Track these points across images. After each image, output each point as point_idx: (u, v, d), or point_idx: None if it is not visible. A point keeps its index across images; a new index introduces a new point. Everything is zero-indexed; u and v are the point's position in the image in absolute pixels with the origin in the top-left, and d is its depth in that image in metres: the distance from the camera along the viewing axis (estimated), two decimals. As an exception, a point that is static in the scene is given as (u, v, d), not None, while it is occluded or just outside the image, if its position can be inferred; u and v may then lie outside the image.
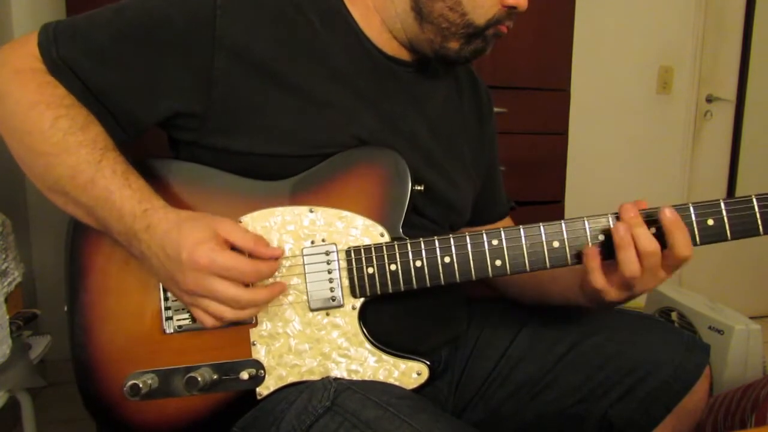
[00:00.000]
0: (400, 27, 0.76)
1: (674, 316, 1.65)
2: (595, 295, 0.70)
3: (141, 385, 0.67)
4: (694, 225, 0.67)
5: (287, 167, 0.71)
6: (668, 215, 0.65)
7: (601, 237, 0.68)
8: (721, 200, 0.67)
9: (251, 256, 0.65)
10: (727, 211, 0.66)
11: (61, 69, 0.67)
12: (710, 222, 0.67)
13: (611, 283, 0.68)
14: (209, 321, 0.65)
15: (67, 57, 0.67)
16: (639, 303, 1.89)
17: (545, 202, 1.82)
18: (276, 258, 0.67)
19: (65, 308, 0.72)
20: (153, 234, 0.63)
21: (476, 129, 0.90)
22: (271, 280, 0.69)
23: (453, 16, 0.72)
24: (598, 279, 0.67)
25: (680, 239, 0.65)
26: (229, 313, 0.64)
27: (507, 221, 0.99)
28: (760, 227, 0.66)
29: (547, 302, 0.86)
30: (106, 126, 0.69)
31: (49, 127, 0.64)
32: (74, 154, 0.64)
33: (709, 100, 2.51)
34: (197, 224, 0.63)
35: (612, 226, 0.68)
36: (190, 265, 0.61)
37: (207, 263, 0.61)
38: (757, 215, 0.66)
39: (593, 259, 0.67)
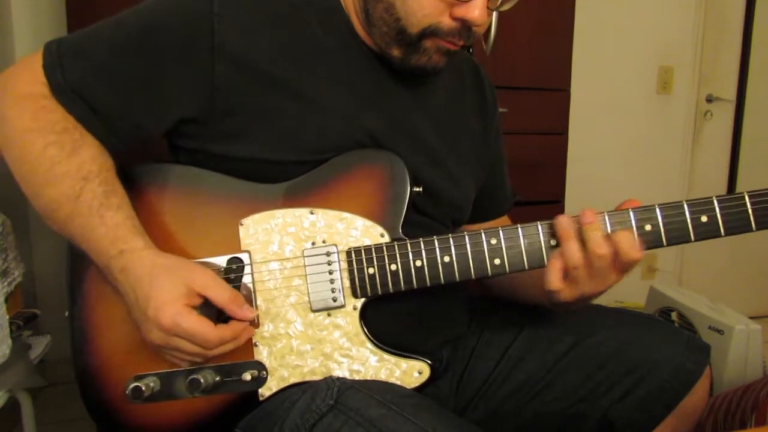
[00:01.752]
0: (363, 28, 0.75)
1: (674, 316, 1.65)
2: (551, 295, 0.70)
3: (143, 388, 0.67)
4: (689, 222, 0.68)
5: (289, 172, 0.71)
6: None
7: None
8: (714, 197, 0.68)
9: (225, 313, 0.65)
10: (720, 209, 0.67)
11: (64, 91, 0.68)
12: (704, 219, 0.68)
13: (566, 283, 0.68)
14: (183, 364, 0.68)
15: (70, 78, 0.68)
16: (639, 303, 1.89)
17: (545, 202, 1.82)
18: (249, 320, 0.66)
19: (66, 313, 0.72)
20: (127, 277, 0.64)
21: (479, 125, 0.90)
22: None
23: (389, 20, 0.70)
24: (555, 280, 0.67)
25: (623, 242, 0.65)
26: (197, 360, 0.66)
27: (504, 220, 0.99)
28: (753, 223, 0.68)
29: (519, 300, 0.88)
30: (107, 143, 0.69)
31: (38, 156, 0.65)
32: (56, 187, 0.65)
33: (709, 100, 2.51)
34: (171, 277, 0.63)
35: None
36: (154, 323, 0.62)
37: (170, 326, 0.61)
38: (750, 212, 0.67)
39: (556, 260, 0.68)
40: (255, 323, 0.70)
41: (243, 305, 0.66)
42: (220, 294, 0.64)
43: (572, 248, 0.66)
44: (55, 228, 0.68)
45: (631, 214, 0.68)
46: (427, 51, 0.71)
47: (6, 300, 1.04)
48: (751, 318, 1.54)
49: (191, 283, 0.63)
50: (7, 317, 1.01)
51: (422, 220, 0.78)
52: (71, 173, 0.65)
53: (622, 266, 0.67)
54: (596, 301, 0.92)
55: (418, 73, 0.75)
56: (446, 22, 0.69)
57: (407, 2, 0.68)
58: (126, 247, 0.64)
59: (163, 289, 0.62)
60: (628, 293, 2.33)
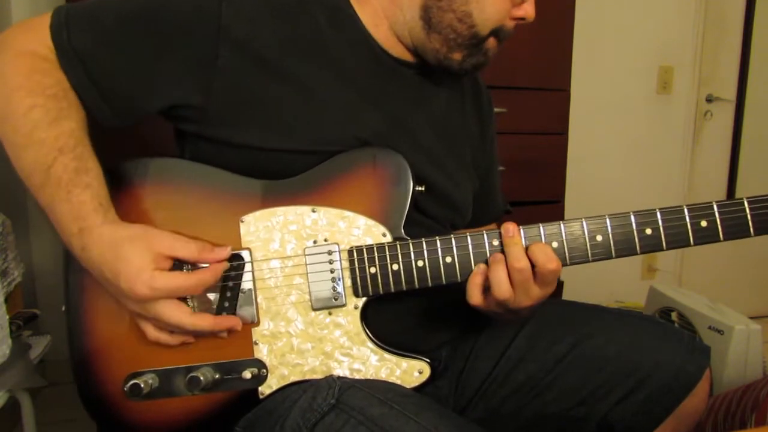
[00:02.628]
0: (407, 34, 0.76)
1: (674, 316, 1.65)
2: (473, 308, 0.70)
3: (142, 385, 0.67)
4: (688, 226, 0.68)
5: (288, 163, 0.71)
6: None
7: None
8: (714, 203, 0.69)
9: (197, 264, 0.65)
10: (720, 214, 0.68)
11: (67, 53, 0.68)
12: (703, 224, 0.69)
13: (488, 300, 0.68)
14: (168, 339, 0.67)
15: (75, 41, 0.68)
16: (639, 303, 1.89)
17: (545, 202, 1.83)
18: (223, 257, 0.67)
19: (63, 308, 0.72)
20: (89, 255, 0.63)
21: (477, 130, 0.90)
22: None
23: (461, 28, 0.73)
24: (476, 296, 0.68)
25: (539, 255, 0.66)
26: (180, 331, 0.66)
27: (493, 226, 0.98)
28: (751, 229, 0.69)
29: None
30: (98, 113, 0.69)
31: (22, 116, 0.65)
32: (33, 152, 0.65)
33: (709, 100, 2.52)
34: (134, 248, 0.62)
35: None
36: (131, 295, 0.62)
37: (149, 294, 0.61)
38: (748, 217, 0.68)
39: (476, 275, 0.68)
40: (254, 322, 0.70)
41: (213, 249, 0.66)
42: (187, 248, 0.64)
43: (500, 274, 0.66)
44: (32, 193, 0.67)
45: (632, 217, 0.68)
46: (486, 51, 0.77)
47: (6, 300, 1.04)
48: (751, 318, 1.54)
49: (156, 248, 0.63)
50: (7, 317, 1.01)
51: (422, 219, 0.78)
52: (48, 141, 0.64)
53: (542, 279, 0.67)
54: (596, 302, 0.92)
55: (469, 72, 0.79)
56: (508, 23, 0.75)
57: (485, 11, 0.73)
58: (85, 225, 0.63)
59: (130, 260, 0.61)
60: (628, 293, 2.33)
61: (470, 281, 0.68)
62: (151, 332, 0.67)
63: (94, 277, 0.70)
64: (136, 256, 0.62)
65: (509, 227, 0.68)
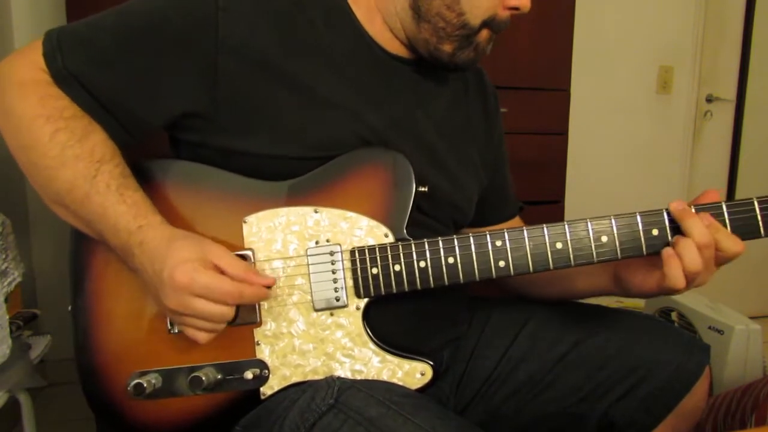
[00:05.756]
0: (399, 26, 0.76)
1: (674, 316, 1.65)
2: (640, 291, 0.72)
3: (145, 385, 0.67)
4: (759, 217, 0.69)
5: (292, 168, 0.71)
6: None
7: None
8: (723, 203, 0.69)
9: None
10: (729, 213, 0.68)
11: (65, 78, 0.67)
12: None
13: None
14: (202, 337, 0.65)
15: (71, 65, 0.67)
16: (639, 303, 1.89)
17: (545, 202, 1.82)
18: (268, 283, 0.67)
19: (69, 308, 0.72)
20: (145, 249, 0.64)
21: (482, 127, 0.90)
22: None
23: (450, 15, 0.72)
24: (681, 280, 0.66)
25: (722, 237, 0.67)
26: (219, 328, 0.65)
27: (516, 222, 0.98)
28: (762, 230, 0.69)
29: (573, 297, 0.88)
30: (111, 132, 0.69)
31: (48, 141, 0.65)
32: (71, 168, 0.65)
33: (709, 100, 2.52)
34: (187, 244, 0.64)
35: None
36: (170, 283, 0.62)
37: (187, 282, 0.61)
38: (759, 218, 0.68)
39: (673, 259, 0.66)
40: (257, 322, 0.70)
41: (258, 274, 0.67)
42: (235, 265, 0.64)
43: (693, 249, 0.66)
44: (68, 212, 0.68)
45: (639, 217, 0.69)
46: (478, 44, 0.75)
47: (6, 300, 1.04)
48: (751, 318, 1.54)
49: (206, 251, 0.64)
50: (7, 317, 1.01)
51: (423, 219, 0.78)
52: (84, 156, 0.65)
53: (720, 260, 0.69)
54: (596, 301, 0.93)
55: (461, 67, 0.77)
56: (501, 13, 0.73)
57: None
58: (145, 222, 0.65)
59: (180, 253, 0.62)
60: (627, 293, 2.33)
61: (671, 266, 0.66)
62: (189, 332, 0.66)
63: (102, 276, 0.71)
64: (186, 249, 0.63)
65: (682, 204, 0.68)
